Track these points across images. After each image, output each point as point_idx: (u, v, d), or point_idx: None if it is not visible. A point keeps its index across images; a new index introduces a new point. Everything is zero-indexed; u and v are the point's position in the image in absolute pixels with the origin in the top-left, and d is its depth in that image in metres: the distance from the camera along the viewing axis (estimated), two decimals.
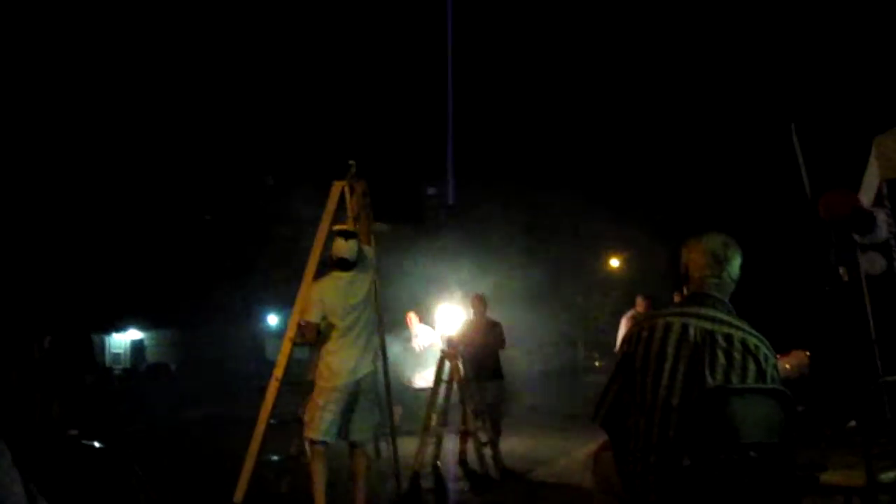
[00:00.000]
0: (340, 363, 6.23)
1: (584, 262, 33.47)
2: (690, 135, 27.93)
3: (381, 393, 7.00)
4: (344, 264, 6.40)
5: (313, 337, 6.36)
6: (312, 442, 6.20)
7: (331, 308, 6.31)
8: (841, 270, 8.31)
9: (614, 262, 35.64)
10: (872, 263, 6.87)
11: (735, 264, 3.56)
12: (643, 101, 28.59)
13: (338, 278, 6.41)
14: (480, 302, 9.21)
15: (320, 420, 6.10)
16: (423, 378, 10.51)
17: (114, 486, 3.76)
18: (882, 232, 6.64)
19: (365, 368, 6.36)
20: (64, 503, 3.22)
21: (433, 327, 10.65)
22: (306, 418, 6.26)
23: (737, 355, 3.32)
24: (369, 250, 6.99)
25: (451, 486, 7.88)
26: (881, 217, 6.69)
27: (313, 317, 6.32)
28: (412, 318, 10.95)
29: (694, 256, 3.57)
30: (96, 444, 4.06)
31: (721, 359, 3.30)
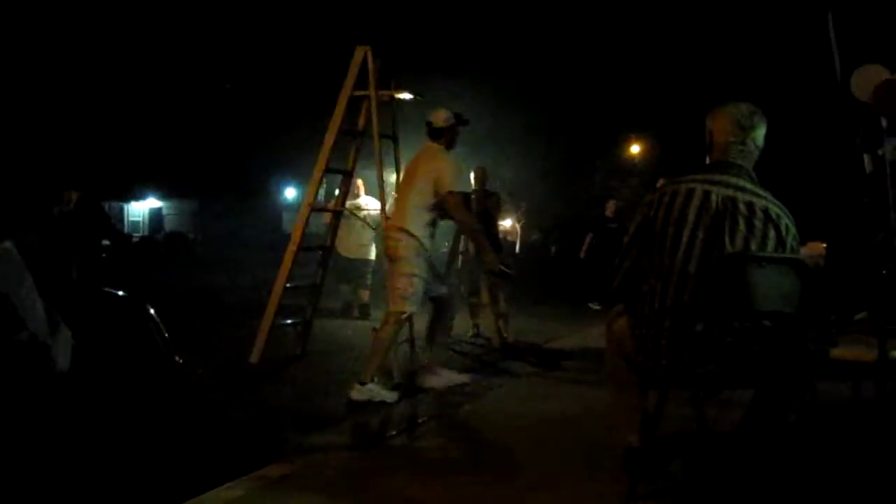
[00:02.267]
0: (433, 234, 6.08)
1: (604, 146, 33.11)
2: (716, 18, 27.15)
3: None
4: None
5: None
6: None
7: None
8: (866, 158, 8.21)
9: (635, 148, 35.24)
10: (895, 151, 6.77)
11: (760, 133, 3.51)
12: None
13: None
14: (482, 173, 9.32)
15: (416, 292, 5.91)
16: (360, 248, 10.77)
17: (133, 330, 3.85)
18: None
19: None
20: (87, 341, 3.29)
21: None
22: (400, 291, 5.91)
23: (757, 223, 3.30)
24: None
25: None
26: None
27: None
28: (360, 184, 10.60)
29: (718, 124, 3.52)
30: (118, 293, 4.13)
31: (742, 226, 3.28)
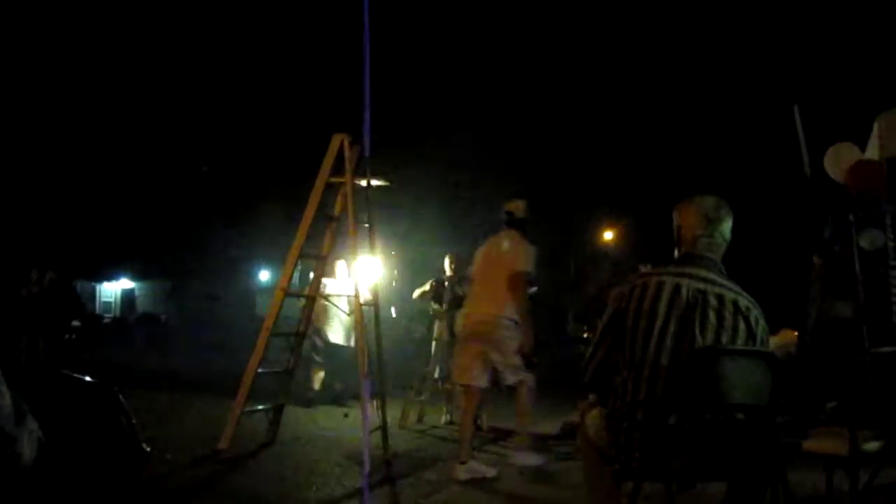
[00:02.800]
0: None
1: (578, 233, 33.46)
2: (688, 111, 27.81)
3: None
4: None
5: None
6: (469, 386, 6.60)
7: None
8: (836, 248, 8.35)
9: (608, 235, 35.64)
10: (872, 240, 6.89)
11: (727, 225, 3.58)
12: (642, 81, 28.24)
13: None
14: (456, 258, 9.50)
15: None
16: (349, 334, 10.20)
17: (101, 418, 3.77)
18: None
19: None
20: (52, 430, 3.22)
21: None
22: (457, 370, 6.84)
23: (727, 316, 3.33)
24: None
25: None
26: None
27: None
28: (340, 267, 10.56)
29: (686, 217, 3.58)
30: (85, 378, 4.06)
31: (712, 319, 3.31)
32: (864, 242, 7.03)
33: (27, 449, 2.18)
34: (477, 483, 6.11)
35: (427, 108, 24.83)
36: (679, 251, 3.59)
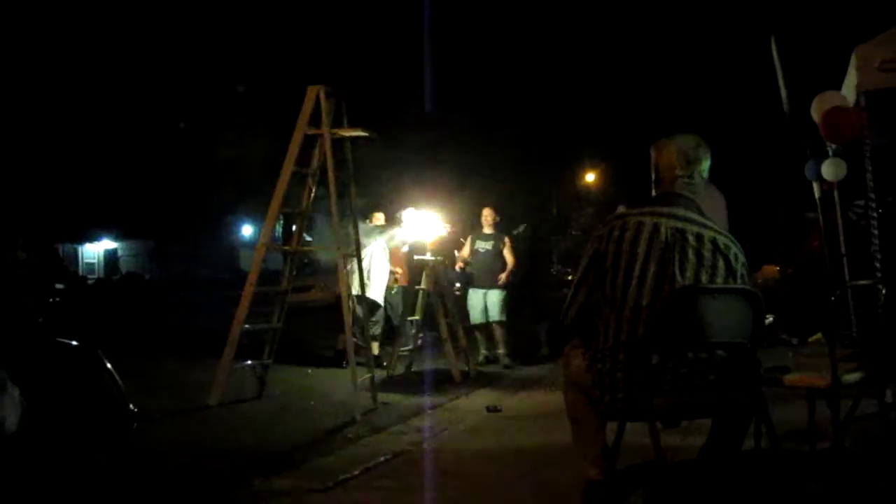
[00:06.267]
0: None
1: (559, 176, 33.38)
2: (668, 47, 27.67)
3: None
4: None
5: None
6: None
7: None
8: (815, 186, 8.39)
9: (590, 177, 35.61)
10: (835, 168, 6.92)
11: (705, 165, 3.57)
12: (617, 19, 28.06)
13: None
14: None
15: None
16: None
17: (85, 380, 3.79)
18: None
19: None
20: (37, 394, 3.24)
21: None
22: None
23: (707, 254, 3.34)
24: None
25: None
26: None
27: None
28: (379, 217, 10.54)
29: (665, 157, 3.57)
30: (72, 343, 4.06)
31: (691, 257, 3.32)
32: (826, 173, 7.05)
33: (11, 416, 2.19)
34: (462, 426, 6.19)
35: (413, 49, 24.61)
36: (656, 190, 3.58)
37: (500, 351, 9.89)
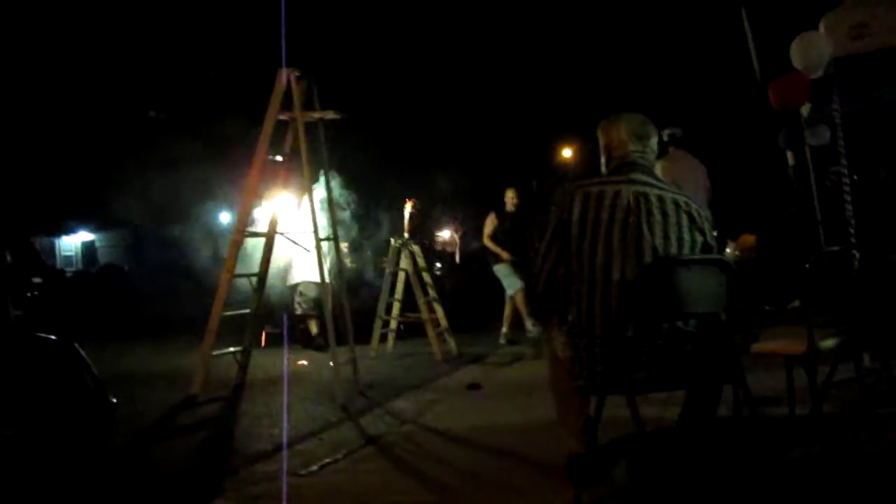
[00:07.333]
0: None
1: (537, 151, 33.42)
2: (640, 20, 27.69)
3: None
4: None
5: None
6: None
7: None
8: (789, 154, 8.42)
9: (567, 152, 35.65)
10: (818, 135, 6.93)
11: (654, 141, 3.66)
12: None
13: None
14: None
15: None
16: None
17: (63, 375, 3.77)
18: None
19: None
20: (20, 391, 3.24)
21: None
22: None
23: (671, 212, 3.41)
24: None
25: None
26: None
27: None
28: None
29: (615, 135, 3.63)
30: (46, 336, 4.04)
31: (657, 216, 3.38)
32: (810, 138, 7.08)
33: None
34: (445, 406, 6.20)
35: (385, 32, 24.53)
36: (609, 166, 3.62)
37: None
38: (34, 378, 3.67)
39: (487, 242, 10.25)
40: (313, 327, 9.79)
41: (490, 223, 10.31)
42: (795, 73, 6.81)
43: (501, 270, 10.11)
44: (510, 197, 10.29)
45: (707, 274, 3.31)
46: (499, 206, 10.37)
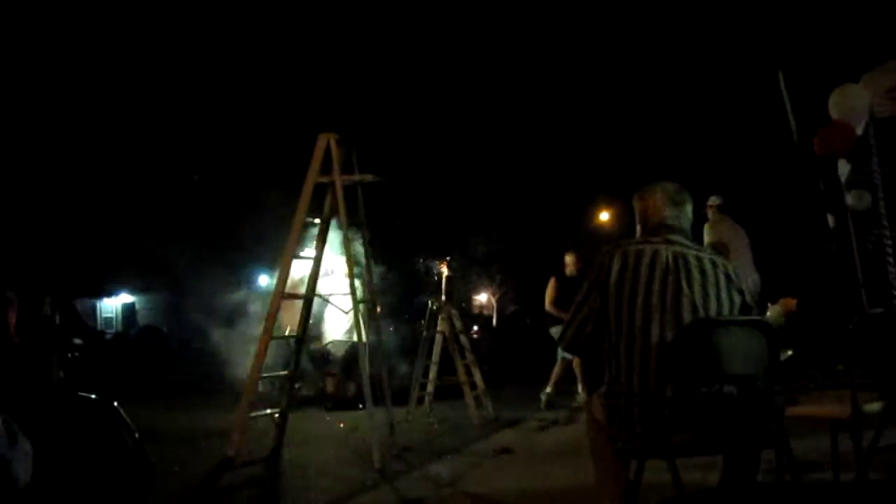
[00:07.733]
0: None
1: (575, 213, 33.46)
2: (676, 87, 27.79)
3: None
4: None
5: None
6: None
7: None
8: (829, 216, 8.34)
9: (604, 215, 35.63)
10: (860, 199, 6.87)
11: (690, 208, 3.68)
12: (628, 54, 28.21)
13: None
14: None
15: None
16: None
17: (104, 435, 3.80)
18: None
19: None
20: (60, 450, 3.26)
21: None
22: None
23: (709, 270, 3.42)
24: None
25: None
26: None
27: None
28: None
29: (651, 202, 3.66)
30: (90, 397, 4.09)
31: (695, 274, 3.39)
32: (851, 200, 7.02)
33: (21, 470, 2.19)
34: (480, 471, 6.14)
35: (422, 99, 24.88)
36: (646, 231, 3.65)
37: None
38: (76, 437, 3.70)
39: (550, 308, 9.91)
40: (329, 385, 9.90)
41: (552, 288, 10.06)
42: (840, 121, 6.78)
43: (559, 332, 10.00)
44: (570, 261, 10.10)
45: (747, 335, 3.28)
46: (558, 271, 10.25)
